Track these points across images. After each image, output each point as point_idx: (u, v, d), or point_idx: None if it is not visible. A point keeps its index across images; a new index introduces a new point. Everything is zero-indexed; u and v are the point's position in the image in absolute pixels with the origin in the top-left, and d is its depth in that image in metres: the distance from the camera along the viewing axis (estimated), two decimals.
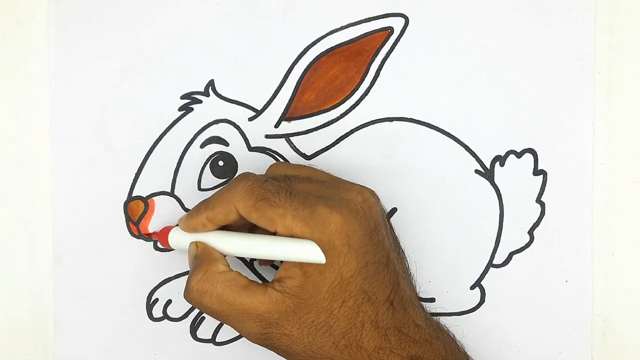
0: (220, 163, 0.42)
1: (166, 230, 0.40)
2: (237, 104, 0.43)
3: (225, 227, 0.38)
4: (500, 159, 0.42)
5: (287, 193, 0.35)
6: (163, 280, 0.43)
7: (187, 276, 0.43)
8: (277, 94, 0.42)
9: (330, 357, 0.36)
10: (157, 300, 0.43)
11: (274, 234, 0.36)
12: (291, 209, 0.35)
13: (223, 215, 0.36)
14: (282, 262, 0.36)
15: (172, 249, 0.41)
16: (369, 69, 0.42)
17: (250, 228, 0.39)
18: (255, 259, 0.43)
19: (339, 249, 0.34)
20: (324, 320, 0.35)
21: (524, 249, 0.42)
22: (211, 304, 0.36)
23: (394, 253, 0.37)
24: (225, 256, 0.37)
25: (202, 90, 0.43)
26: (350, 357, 0.36)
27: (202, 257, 0.37)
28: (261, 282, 0.36)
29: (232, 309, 0.36)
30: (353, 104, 0.42)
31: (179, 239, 0.39)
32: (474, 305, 0.43)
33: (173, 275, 0.43)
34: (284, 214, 0.35)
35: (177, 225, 0.39)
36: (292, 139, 0.42)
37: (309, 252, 0.34)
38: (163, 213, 0.43)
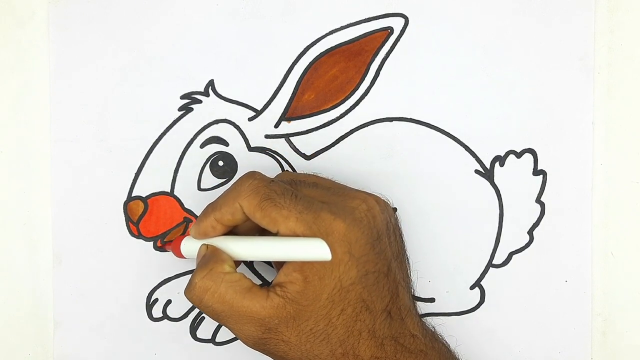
0: (220, 163, 0.42)
1: (178, 240, 0.40)
2: (237, 104, 0.43)
3: (236, 234, 0.38)
4: (500, 159, 0.42)
5: (292, 195, 0.35)
6: (163, 280, 0.43)
7: (187, 276, 0.43)
8: (277, 94, 0.42)
9: None
10: (156, 300, 0.43)
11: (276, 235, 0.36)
12: (295, 212, 0.35)
13: (230, 215, 0.36)
14: (282, 266, 0.36)
15: (185, 258, 0.40)
16: (369, 69, 0.42)
17: (259, 233, 0.39)
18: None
19: (340, 256, 0.34)
20: (323, 328, 0.35)
21: (523, 249, 0.42)
22: (212, 302, 0.35)
23: (395, 262, 0.37)
24: (235, 261, 0.37)
25: (202, 90, 0.43)
26: None
27: (209, 256, 0.37)
28: (263, 285, 0.36)
29: (232, 310, 0.35)
30: (353, 104, 0.42)
31: (191, 247, 0.39)
32: (474, 305, 0.43)
33: (173, 275, 0.43)
34: (287, 216, 0.35)
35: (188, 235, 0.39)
36: (292, 139, 0.42)
37: (316, 249, 0.34)
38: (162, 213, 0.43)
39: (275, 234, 0.35)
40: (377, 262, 0.35)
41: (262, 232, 0.38)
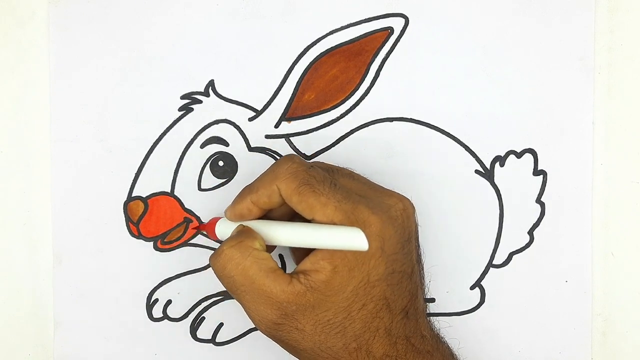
0: (220, 163, 0.42)
1: (213, 222, 0.39)
2: (237, 104, 0.43)
3: (269, 219, 0.38)
4: (500, 159, 0.42)
5: (331, 184, 0.35)
6: (163, 281, 0.43)
7: (187, 276, 0.43)
8: (277, 94, 0.42)
9: (336, 357, 0.35)
10: (157, 300, 0.43)
11: (309, 221, 0.35)
12: (334, 200, 0.34)
13: (267, 197, 0.36)
14: (309, 253, 0.35)
15: (217, 239, 0.40)
16: (369, 69, 0.42)
17: (290, 219, 0.38)
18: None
19: (373, 250, 0.34)
20: (340, 321, 0.35)
21: (524, 249, 0.42)
22: (235, 273, 0.35)
23: (417, 265, 0.37)
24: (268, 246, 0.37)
25: (202, 90, 0.43)
26: None
27: (242, 231, 0.36)
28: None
29: (253, 286, 0.35)
30: (353, 104, 0.42)
31: (226, 229, 0.38)
32: (474, 306, 0.43)
33: (173, 275, 0.43)
34: (326, 203, 0.34)
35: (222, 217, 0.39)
36: (292, 139, 0.42)
37: (355, 238, 0.34)
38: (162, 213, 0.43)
39: (309, 221, 0.35)
40: (404, 263, 0.36)
41: (292, 218, 0.38)
